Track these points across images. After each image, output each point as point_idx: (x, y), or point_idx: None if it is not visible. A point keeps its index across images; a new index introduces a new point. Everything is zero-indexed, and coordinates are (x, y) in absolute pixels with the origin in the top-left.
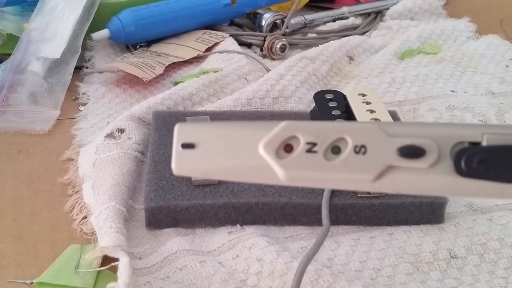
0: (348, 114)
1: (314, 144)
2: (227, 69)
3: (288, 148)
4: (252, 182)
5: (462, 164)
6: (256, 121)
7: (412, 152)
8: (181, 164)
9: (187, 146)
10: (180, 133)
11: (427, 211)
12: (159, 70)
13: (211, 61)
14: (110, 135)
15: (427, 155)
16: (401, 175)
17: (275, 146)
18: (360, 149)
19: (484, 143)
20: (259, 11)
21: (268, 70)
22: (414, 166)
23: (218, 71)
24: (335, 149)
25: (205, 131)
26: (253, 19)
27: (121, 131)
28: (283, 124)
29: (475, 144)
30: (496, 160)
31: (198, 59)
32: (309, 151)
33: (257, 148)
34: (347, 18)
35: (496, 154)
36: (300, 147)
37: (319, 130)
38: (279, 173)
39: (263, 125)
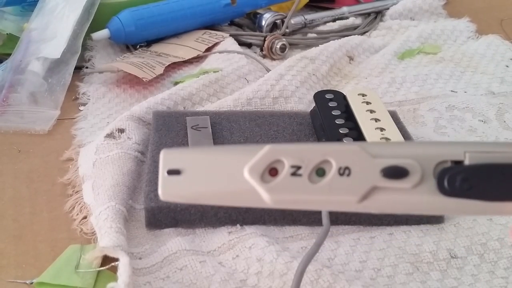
0: (348, 114)
1: (299, 167)
2: (227, 69)
3: (273, 172)
4: (238, 206)
5: (445, 183)
6: (240, 144)
7: (395, 172)
8: (167, 190)
9: (173, 172)
10: (165, 159)
11: None
12: (159, 70)
13: (211, 61)
14: (110, 135)
15: (410, 175)
16: (385, 195)
17: (260, 171)
18: (344, 171)
19: (466, 162)
20: (259, 11)
21: (268, 70)
22: (398, 186)
23: (218, 71)
24: (320, 172)
25: (190, 156)
26: (253, 19)
27: (121, 131)
28: (267, 148)
29: (458, 163)
30: (478, 179)
31: (198, 59)
32: (293, 174)
33: (242, 173)
34: (347, 18)
35: (479, 172)
36: (284, 170)
37: (303, 153)
38: (265, 197)
39: (248, 149)
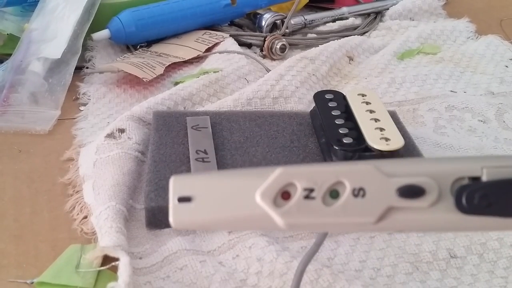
0: (348, 114)
1: (312, 190)
2: (227, 69)
3: (285, 195)
4: (251, 230)
5: (464, 201)
6: (251, 168)
7: (411, 192)
8: (179, 218)
9: (183, 199)
10: (175, 186)
11: None
12: (159, 70)
13: (211, 61)
14: (110, 135)
15: (427, 194)
16: (402, 215)
17: (272, 195)
18: (358, 192)
19: (484, 178)
20: (259, 11)
21: (268, 70)
22: (415, 205)
23: (218, 71)
24: (333, 193)
25: (200, 183)
26: (253, 20)
27: (122, 131)
28: (278, 171)
29: (475, 179)
30: (497, 195)
31: (198, 59)
32: (307, 197)
33: (254, 198)
34: (347, 18)
35: (497, 189)
36: (297, 194)
37: (315, 175)
38: (278, 221)
39: (259, 173)
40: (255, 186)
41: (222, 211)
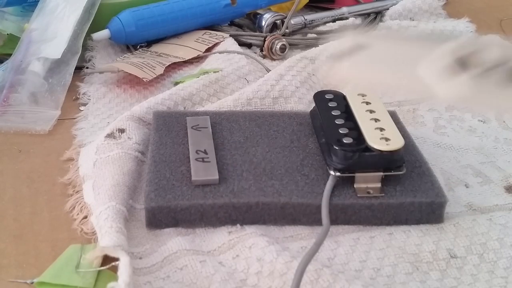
0: (348, 114)
1: None
2: (227, 69)
3: None
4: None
5: None
6: None
7: None
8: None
9: None
10: None
11: (426, 211)
12: (160, 70)
13: (211, 61)
14: (110, 135)
15: None
16: None
17: None
18: None
19: None
20: (259, 11)
21: (268, 70)
22: None
23: (218, 71)
24: None
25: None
26: (253, 20)
27: (122, 131)
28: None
29: None
30: None
31: (198, 59)
32: None
33: None
34: (347, 18)
35: None
36: None
37: None
38: None
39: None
40: None
41: None
